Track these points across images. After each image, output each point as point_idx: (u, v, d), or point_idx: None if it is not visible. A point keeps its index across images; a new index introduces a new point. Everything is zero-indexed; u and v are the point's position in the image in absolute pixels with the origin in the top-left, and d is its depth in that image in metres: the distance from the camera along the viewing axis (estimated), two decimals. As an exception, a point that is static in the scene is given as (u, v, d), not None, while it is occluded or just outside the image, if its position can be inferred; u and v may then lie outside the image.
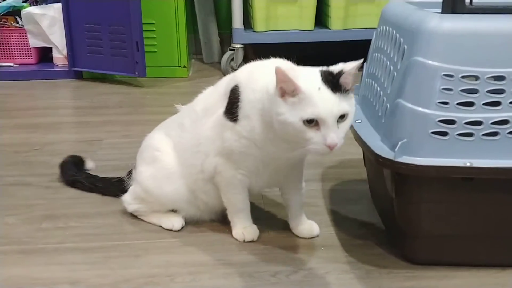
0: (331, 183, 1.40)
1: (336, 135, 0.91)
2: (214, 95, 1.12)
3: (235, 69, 2.57)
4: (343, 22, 2.55)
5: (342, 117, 0.92)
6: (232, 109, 1.03)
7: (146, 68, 2.36)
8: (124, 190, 1.24)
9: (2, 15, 2.53)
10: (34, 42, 2.56)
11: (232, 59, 2.55)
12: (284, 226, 1.19)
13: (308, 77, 0.92)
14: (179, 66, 2.57)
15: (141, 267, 1.05)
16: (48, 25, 2.50)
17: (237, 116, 1.03)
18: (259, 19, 2.52)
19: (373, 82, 1.14)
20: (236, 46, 2.53)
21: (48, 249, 1.11)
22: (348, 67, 0.93)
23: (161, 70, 2.54)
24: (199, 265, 1.06)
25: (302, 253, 1.10)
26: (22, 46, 2.59)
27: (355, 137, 1.08)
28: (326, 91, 0.91)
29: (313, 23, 2.57)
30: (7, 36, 2.57)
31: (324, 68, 0.95)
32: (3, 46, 2.58)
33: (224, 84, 1.10)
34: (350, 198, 1.33)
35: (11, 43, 2.58)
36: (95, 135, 1.78)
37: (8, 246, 1.13)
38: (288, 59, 1.06)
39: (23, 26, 2.54)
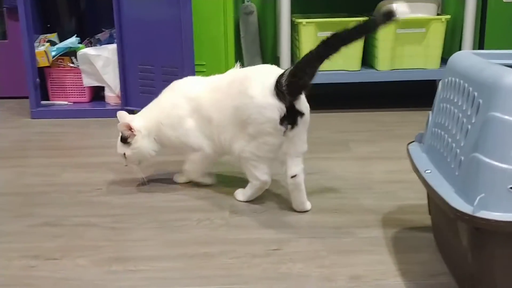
0: (393, 230, 1.40)
1: (125, 162, 1.67)
2: None
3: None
4: (390, 63, 2.58)
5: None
6: None
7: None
8: None
9: (59, 56, 2.63)
10: (88, 82, 2.66)
11: (280, 99, 2.59)
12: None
13: None
14: (227, 105, 2.62)
15: (213, 314, 1.07)
16: (102, 65, 2.59)
17: None
18: (306, 60, 2.56)
19: (442, 132, 1.15)
20: (283, 86, 2.57)
21: (121, 293, 1.14)
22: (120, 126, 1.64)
23: (209, 109, 2.60)
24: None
25: (373, 303, 1.10)
26: (76, 85, 2.68)
27: (427, 188, 1.08)
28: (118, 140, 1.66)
29: (359, 64, 2.60)
30: (62, 75, 2.67)
31: None
32: (58, 85, 2.68)
33: None
34: (413, 246, 1.32)
35: (66, 82, 2.68)
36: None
37: (82, 289, 1.16)
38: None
39: (78, 66, 2.64)
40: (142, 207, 1.57)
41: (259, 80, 1.46)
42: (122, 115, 1.69)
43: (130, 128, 1.63)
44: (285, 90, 1.39)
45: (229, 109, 1.51)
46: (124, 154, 1.64)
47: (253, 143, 1.47)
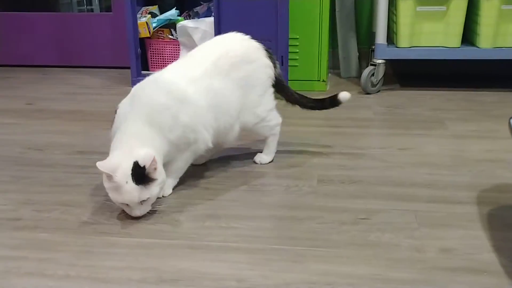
0: (488, 208, 1.35)
1: (139, 211, 1.31)
2: None
3: (375, 84, 2.58)
4: (492, 40, 2.45)
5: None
6: None
7: (287, 81, 2.43)
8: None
9: (159, 28, 2.75)
10: (186, 53, 2.75)
11: (373, 74, 2.55)
12: (445, 247, 1.17)
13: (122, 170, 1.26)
14: (318, 80, 2.61)
15: (300, 273, 1.10)
16: (199, 38, 2.66)
17: None
18: (403, 35, 2.49)
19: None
20: (377, 62, 2.53)
21: (213, 247, 1.20)
22: (148, 162, 1.26)
23: (301, 83, 2.60)
24: (357, 277, 1.08)
25: (465, 276, 1.08)
26: (174, 57, 2.79)
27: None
28: (131, 184, 1.26)
29: (459, 41, 2.49)
30: (162, 47, 2.78)
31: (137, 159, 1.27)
32: (157, 56, 2.80)
33: None
34: (509, 224, 1.27)
35: (165, 54, 2.80)
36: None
37: (177, 241, 1.23)
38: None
39: (176, 38, 2.73)
40: (234, 171, 1.62)
41: (250, 46, 1.63)
42: (112, 163, 1.29)
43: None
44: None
45: (226, 86, 1.50)
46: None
47: (264, 101, 1.63)
